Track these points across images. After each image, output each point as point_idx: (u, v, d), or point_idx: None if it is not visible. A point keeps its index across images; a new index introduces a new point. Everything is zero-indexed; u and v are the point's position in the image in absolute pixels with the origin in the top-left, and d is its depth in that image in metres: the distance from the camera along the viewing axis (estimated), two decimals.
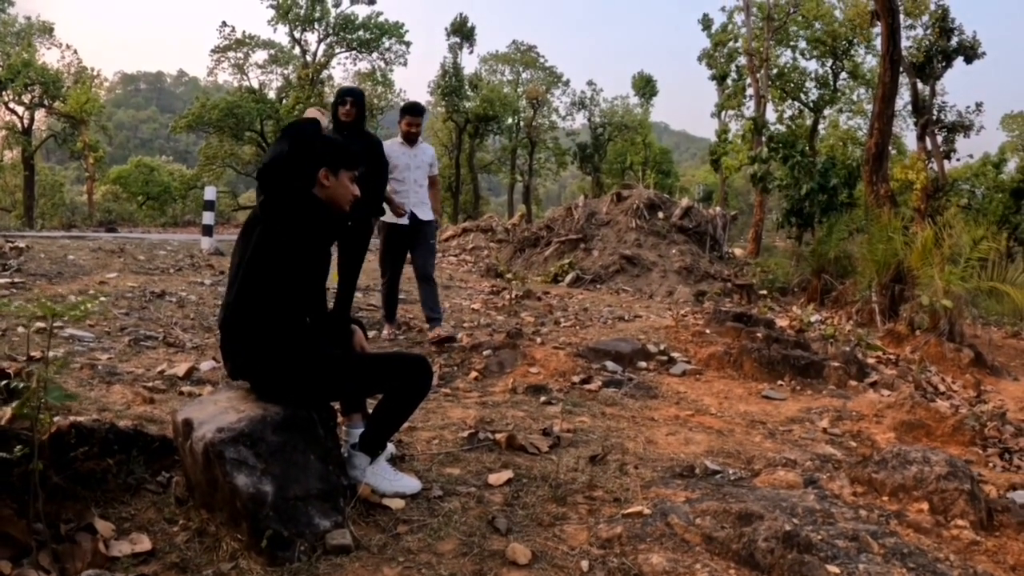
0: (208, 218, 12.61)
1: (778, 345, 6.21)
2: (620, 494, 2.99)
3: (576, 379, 5.05)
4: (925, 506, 2.96)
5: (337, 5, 38.00)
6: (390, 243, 6.44)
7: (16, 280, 7.23)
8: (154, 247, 11.87)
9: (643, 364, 5.79)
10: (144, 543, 2.43)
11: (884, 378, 6.33)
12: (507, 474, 3.13)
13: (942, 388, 6.83)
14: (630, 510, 2.77)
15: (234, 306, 2.74)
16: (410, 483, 2.95)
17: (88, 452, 2.66)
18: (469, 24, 40.67)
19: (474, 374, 5.12)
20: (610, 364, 5.50)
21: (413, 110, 6.38)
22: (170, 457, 2.91)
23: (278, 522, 2.38)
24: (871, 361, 7.12)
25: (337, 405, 3.20)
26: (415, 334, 6.58)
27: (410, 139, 6.36)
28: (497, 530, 2.63)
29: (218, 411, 2.61)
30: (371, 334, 6.16)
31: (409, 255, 6.50)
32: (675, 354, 6.12)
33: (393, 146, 6.36)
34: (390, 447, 3.32)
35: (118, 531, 2.47)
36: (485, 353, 5.55)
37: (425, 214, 6.37)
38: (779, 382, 5.68)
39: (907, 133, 35.22)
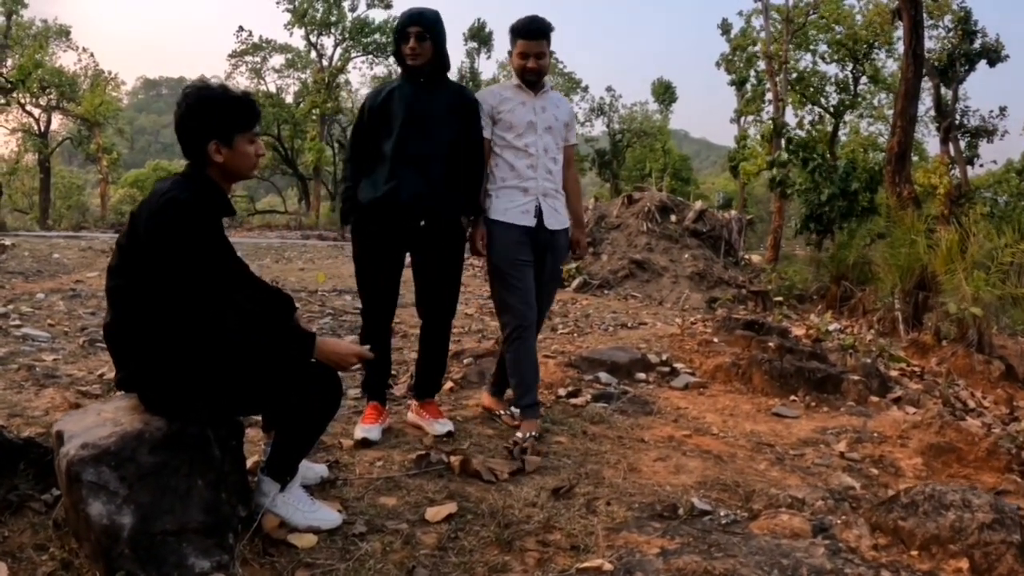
0: None
1: (792, 356, 5.69)
2: (581, 539, 2.47)
3: (563, 392, 4.54)
4: (965, 564, 2.39)
5: (353, 9, 37.85)
6: (514, 260, 3.72)
7: None
8: None
9: (642, 376, 5.29)
10: (2, 572, 2.04)
11: (909, 393, 5.79)
12: (449, 507, 2.63)
13: (971, 404, 6.30)
14: (587, 564, 2.25)
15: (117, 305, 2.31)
16: (328, 516, 2.47)
17: None
18: (487, 29, 40.40)
19: (450, 384, 4.62)
20: (603, 375, 5.00)
21: (528, 28, 3.70)
22: None
23: (134, 562, 1.98)
24: (894, 374, 6.58)
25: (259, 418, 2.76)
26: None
27: (529, 79, 3.76)
28: None
29: (96, 423, 2.20)
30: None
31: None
32: (678, 365, 5.62)
33: (501, 93, 3.80)
34: (320, 469, 2.86)
35: None
36: (466, 361, 5.07)
37: (555, 217, 3.79)
38: (792, 397, 5.16)
39: (928, 139, 34.50)
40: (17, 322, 5.30)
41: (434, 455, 3.13)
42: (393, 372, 4.43)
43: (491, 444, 3.51)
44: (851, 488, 3.39)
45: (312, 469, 2.83)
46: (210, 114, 2.33)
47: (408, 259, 3.69)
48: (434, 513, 2.59)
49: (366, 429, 3.44)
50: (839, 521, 2.79)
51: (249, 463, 2.76)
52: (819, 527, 2.72)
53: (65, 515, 2.24)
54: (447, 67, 3.65)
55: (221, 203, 2.39)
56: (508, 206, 3.72)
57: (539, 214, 3.72)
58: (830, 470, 3.69)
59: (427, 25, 3.48)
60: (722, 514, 2.79)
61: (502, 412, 3.95)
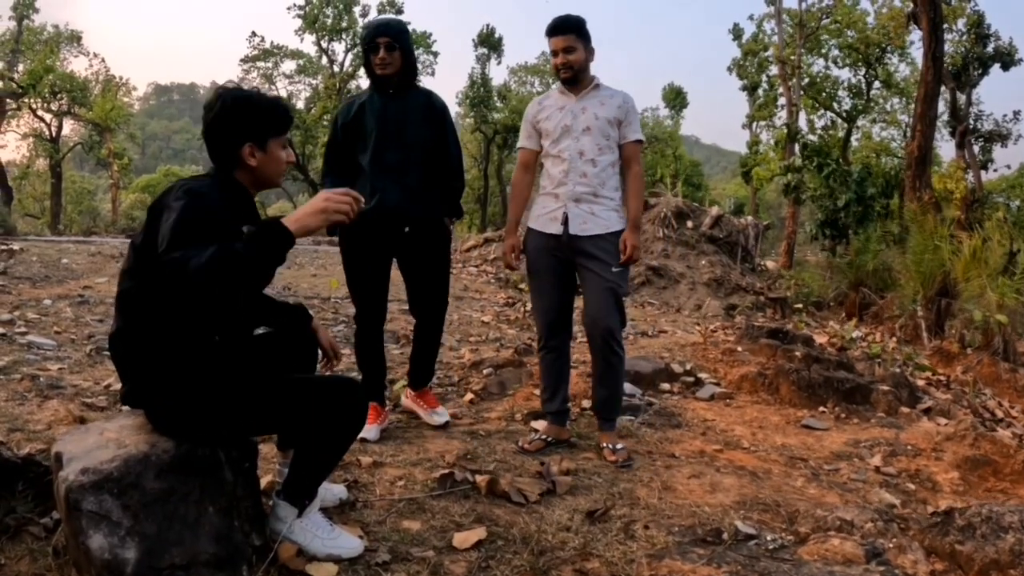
0: None
1: (819, 366, 5.50)
2: (621, 568, 2.27)
3: (586, 404, 4.37)
4: None
5: (364, 15, 37.81)
6: (539, 274, 3.69)
7: None
8: None
9: (666, 386, 5.11)
10: None
11: (938, 404, 5.60)
12: (479, 533, 2.44)
13: (999, 414, 6.12)
14: None
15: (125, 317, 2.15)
16: (349, 543, 2.29)
17: None
18: (497, 35, 40.29)
19: (470, 396, 4.45)
20: (627, 386, 4.81)
21: (554, 25, 3.59)
22: None
23: None
24: (920, 383, 6.39)
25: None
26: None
27: (564, 78, 3.62)
28: None
29: (98, 444, 2.02)
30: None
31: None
32: (703, 375, 5.44)
33: (542, 101, 3.77)
34: (338, 490, 2.68)
35: None
36: (486, 371, 4.91)
37: (592, 221, 3.56)
38: (821, 408, 4.98)
39: (941, 143, 34.20)
40: (22, 329, 5.16)
41: (458, 474, 2.94)
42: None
43: (516, 461, 3.33)
44: (892, 506, 3.23)
45: (330, 490, 2.65)
46: (246, 116, 2.23)
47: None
48: (462, 539, 2.41)
49: (365, 430, 3.35)
50: (891, 545, 2.62)
51: (263, 483, 2.60)
52: (872, 552, 2.54)
53: (66, 542, 2.08)
54: (415, 75, 3.72)
55: (247, 207, 2.28)
56: (540, 213, 3.68)
57: (565, 220, 3.57)
58: (867, 486, 3.53)
59: (395, 35, 3.55)
60: (768, 538, 2.62)
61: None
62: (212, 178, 2.25)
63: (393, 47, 3.54)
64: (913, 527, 2.84)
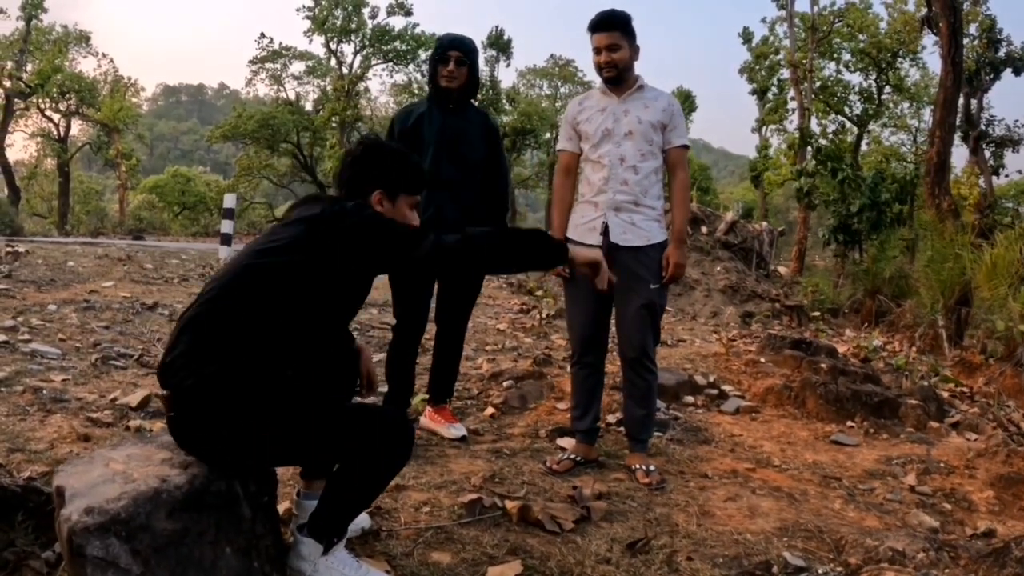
0: (227, 227, 11.99)
1: (845, 378, 5.34)
2: None
3: (612, 419, 4.21)
4: None
5: (373, 17, 37.74)
6: (575, 285, 3.49)
7: (2, 287, 6.63)
8: (167, 255, 11.30)
9: (690, 399, 4.95)
10: None
11: (966, 418, 5.43)
12: (514, 567, 2.26)
13: None
14: None
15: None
16: None
17: None
18: (505, 37, 40.17)
19: (490, 410, 4.28)
20: None
21: (598, 20, 3.41)
22: None
23: None
24: (944, 395, 6.22)
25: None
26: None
27: (607, 76, 3.43)
28: None
29: (103, 477, 1.83)
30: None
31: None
32: (726, 387, 5.28)
33: (584, 101, 3.59)
34: (362, 519, 2.50)
35: None
36: (505, 384, 4.74)
37: (633, 232, 3.39)
38: (849, 423, 4.82)
39: (953, 149, 33.99)
40: (26, 336, 5.00)
41: (487, 499, 2.76)
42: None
43: (545, 483, 3.15)
44: (934, 529, 3.09)
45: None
46: (384, 164, 2.33)
47: None
48: (497, 573, 2.24)
49: None
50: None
51: (281, 509, 2.43)
52: None
53: None
54: (476, 94, 3.82)
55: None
56: (579, 222, 3.52)
57: (605, 230, 3.38)
58: (904, 507, 3.39)
59: (466, 51, 3.68)
60: (820, 571, 2.45)
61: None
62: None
63: (463, 62, 3.66)
64: (963, 555, 2.69)
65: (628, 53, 3.41)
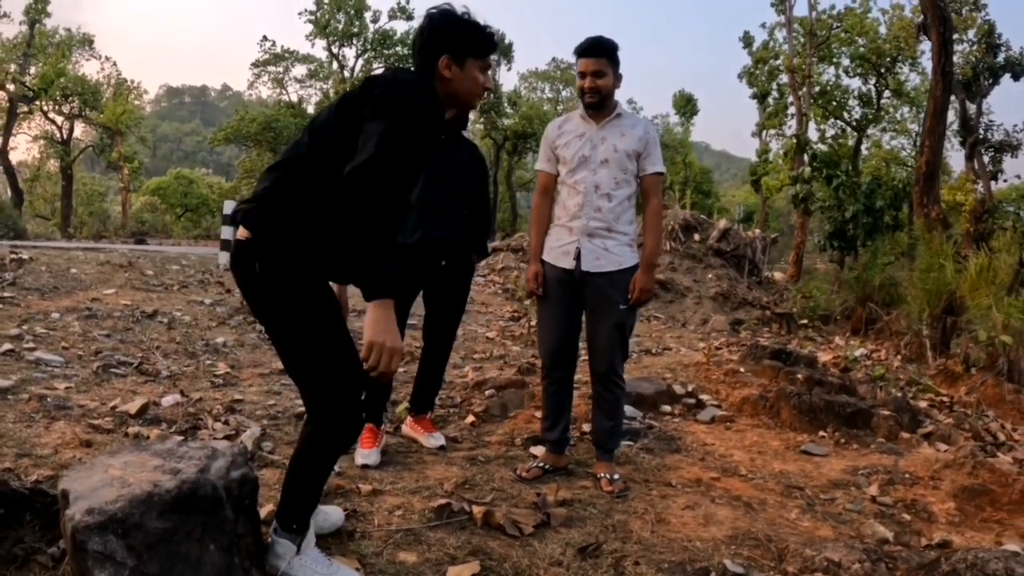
0: (227, 233, 12.22)
1: (821, 389, 5.51)
2: None
3: (586, 427, 4.41)
4: None
5: (375, 20, 38.01)
6: (548, 302, 3.67)
7: (6, 295, 6.83)
8: (168, 261, 11.49)
9: (667, 408, 5.13)
10: None
11: (940, 428, 5.58)
12: (472, 567, 2.47)
13: (1002, 437, 6.07)
14: None
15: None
16: None
17: None
18: (507, 41, 40.41)
19: (471, 419, 4.49)
20: (628, 409, 4.84)
21: (584, 45, 3.53)
22: None
23: None
24: (923, 405, 6.38)
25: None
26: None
27: (588, 102, 3.56)
28: None
29: (103, 481, 2.07)
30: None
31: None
32: (704, 396, 5.46)
33: (563, 125, 3.72)
34: (335, 515, 2.72)
35: None
36: (487, 392, 4.94)
37: (605, 257, 3.53)
38: (821, 433, 4.98)
39: (951, 154, 34.21)
40: (31, 345, 5.21)
41: (455, 504, 2.98)
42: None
43: (514, 490, 3.36)
44: (885, 540, 3.23)
45: (328, 517, 2.69)
46: (449, 29, 2.36)
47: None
48: (456, 573, 2.45)
49: (365, 455, 3.61)
50: None
51: (264, 512, 2.65)
52: None
53: (72, 573, 2.14)
54: (465, 126, 3.84)
55: (441, 115, 2.34)
56: (554, 244, 3.67)
57: (578, 255, 3.55)
58: (862, 517, 3.53)
59: None
60: None
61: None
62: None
63: None
64: (901, 567, 2.85)
65: (612, 80, 3.54)
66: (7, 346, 5.04)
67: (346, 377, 2.22)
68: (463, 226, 3.91)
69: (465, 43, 2.35)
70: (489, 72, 2.44)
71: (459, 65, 2.34)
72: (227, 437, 3.70)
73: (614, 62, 3.56)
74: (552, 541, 2.81)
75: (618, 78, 3.60)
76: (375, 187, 2.01)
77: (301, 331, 2.20)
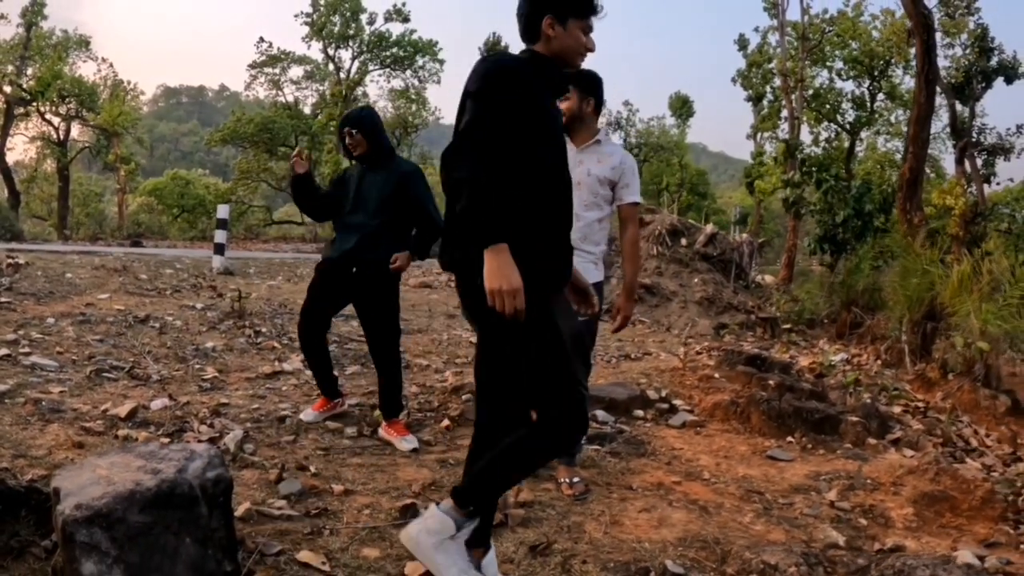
0: (220, 236, 12.43)
1: (791, 395, 5.69)
2: None
3: None
4: None
5: (371, 23, 38.13)
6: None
7: (3, 300, 7.01)
8: (162, 264, 11.67)
9: (640, 413, 5.31)
10: None
11: (908, 435, 5.72)
12: None
13: (974, 442, 6.23)
14: None
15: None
16: None
17: None
18: (503, 43, 40.52)
19: (446, 422, 4.68)
20: (600, 413, 5.03)
21: (579, 80, 3.67)
22: None
23: None
24: (897, 410, 6.54)
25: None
26: None
27: (577, 132, 3.78)
28: None
29: (92, 480, 2.30)
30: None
31: None
32: (677, 401, 5.64)
33: None
34: (491, 570, 2.69)
35: None
36: (464, 397, 5.12)
37: (586, 269, 3.57)
38: (788, 439, 5.14)
39: (945, 156, 34.38)
40: (27, 349, 5.39)
41: (421, 504, 3.16)
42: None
43: None
44: (834, 545, 3.33)
45: (489, 566, 2.62)
46: None
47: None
48: (413, 568, 2.62)
49: (307, 412, 4.54)
50: None
51: (240, 510, 2.85)
52: None
53: (63, 565, 2.34)
54: (384, 152, 4.40)
55: (552, 75, 2.48)
56: None
57: None
58: (817, 521, 3.64)
59: (359, 125, 4.32)
60: None
61: None
62: (519, 54, 2.50)
63: (354, 134, 4.32)
64: (840, 571, 3.00)
65: (578, 104, 3.72)
66: (4, 351, 5.22)
67: (560, 385, 2.33)
68: (364, 236, 4.25)
69: (566, 3, 2.42)
70: (592, 35, 2.52)
71: (562, 24, 2.42)
72: (211, 439, 3.88)
73: (584, 90, 3.73)
74: (507, 540, 3.00)
75: (586, 102, 3.76)
76: (470, 152, 2.18)
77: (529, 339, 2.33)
